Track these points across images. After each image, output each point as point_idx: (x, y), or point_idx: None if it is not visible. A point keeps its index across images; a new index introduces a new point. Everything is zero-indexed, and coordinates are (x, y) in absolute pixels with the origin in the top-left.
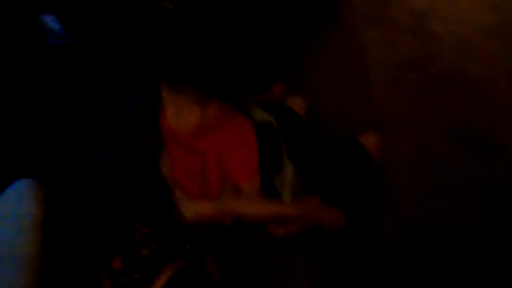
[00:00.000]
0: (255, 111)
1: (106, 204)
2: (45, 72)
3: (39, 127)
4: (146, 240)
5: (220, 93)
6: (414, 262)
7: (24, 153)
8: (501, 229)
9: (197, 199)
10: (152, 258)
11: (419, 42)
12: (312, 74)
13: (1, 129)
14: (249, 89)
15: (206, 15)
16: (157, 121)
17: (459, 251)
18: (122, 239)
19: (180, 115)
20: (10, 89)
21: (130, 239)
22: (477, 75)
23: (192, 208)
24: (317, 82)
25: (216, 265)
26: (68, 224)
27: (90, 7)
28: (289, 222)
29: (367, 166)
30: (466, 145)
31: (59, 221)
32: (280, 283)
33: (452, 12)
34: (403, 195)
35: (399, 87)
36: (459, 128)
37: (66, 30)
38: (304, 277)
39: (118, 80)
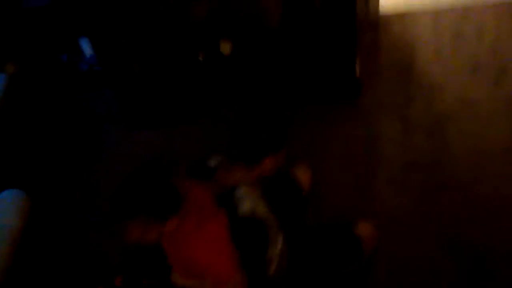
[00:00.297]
0: (240, 199)
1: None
2: (68, 93)
3: (46, 144)
4: (150, 275)
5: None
6: None
7: (24, 167)
8: None
9: (184, 276)
10: None
11: (432, 146)
12: (321, 152)
13: (8, 140)
14: (241, 158)
15: None
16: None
17: None
18: (127, 264)
19: (143, 236)
20: (28, 103)
21: (137, 268)
22: (484, 195)
23: (180, 281)
24: (324, 161)
25: None
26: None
27: (128, 40)
28: None
29: (356, 258)
30: (459, 261)
31: (44, 235)
32: None
33: (472, 125)
34: None
35: (403, 185)
36: (455, 241)
37: (97, 57)
38: None
39: (137, 117)
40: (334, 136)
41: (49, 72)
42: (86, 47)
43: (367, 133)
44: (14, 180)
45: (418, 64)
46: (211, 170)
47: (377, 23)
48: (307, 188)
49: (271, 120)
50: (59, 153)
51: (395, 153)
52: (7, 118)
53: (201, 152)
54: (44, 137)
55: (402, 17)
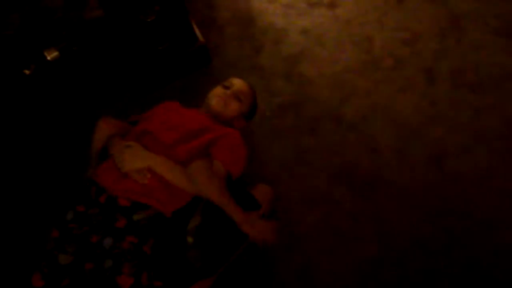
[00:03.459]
0: None
1: None
2: None
3: None
4: (59, 244)
5: None
6: None
7: None
8: (396, 262)
9: (146, 150)
10: (75, 261)
11: (293, 87)
12: None
13: None
14: None
15: None
16: None
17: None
18: (34, 253)
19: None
20: None
21: (41, 251)
22: (352, 114)
23: (134, 160)
24: None
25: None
26: None
27: None
28: None
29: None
30: (348, 183)
31: None
32: None
33: (321, 54)
34: (298, 241)
35: (279, 133)
36: (340, 167)
37: None
38: None
39: None
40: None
41: None
42: None
43: None
44: None
45: (255, 11)
46: None
47: None
48: None
49: None
50: None
51: (263, 104)
52: None
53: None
54: None
55: None
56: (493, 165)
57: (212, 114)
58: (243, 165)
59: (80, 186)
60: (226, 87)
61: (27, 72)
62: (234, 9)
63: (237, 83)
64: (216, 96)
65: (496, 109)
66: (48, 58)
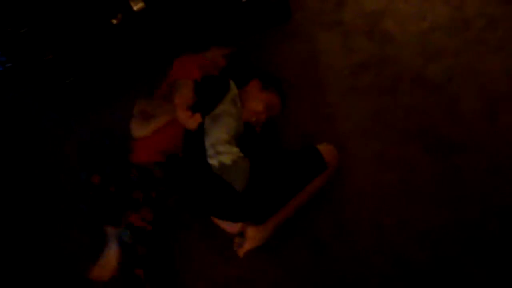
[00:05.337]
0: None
1: None
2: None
3: None
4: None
5: None
6: (379, 268)
7: None
8: (468, 229)
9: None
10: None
11: (375, 44)
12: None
13: None
14: None
15: None
16: None
17: (425, 253)
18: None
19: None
20: None
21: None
22: (436, 75)
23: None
24: None
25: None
26: None
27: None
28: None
29: (319, 169)
30: (425, 145)
31: None
32: None
33: (407, 11)
34: (365, 199)
35: (356, 92)
36: (417, 128)
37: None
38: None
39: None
40: (277, 65)
41: None
42: None
43: (308, 52)
44: None
45: None
46: None
47: None
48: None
49: None
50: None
51: (341, 62)
52: None
53: None
54: None
55: None
56: None
57: None
58: (190, 63)
59: None
60: None
61: (114, 21)
62: None
63: None
64: None
65: None
66: (134, 8)
